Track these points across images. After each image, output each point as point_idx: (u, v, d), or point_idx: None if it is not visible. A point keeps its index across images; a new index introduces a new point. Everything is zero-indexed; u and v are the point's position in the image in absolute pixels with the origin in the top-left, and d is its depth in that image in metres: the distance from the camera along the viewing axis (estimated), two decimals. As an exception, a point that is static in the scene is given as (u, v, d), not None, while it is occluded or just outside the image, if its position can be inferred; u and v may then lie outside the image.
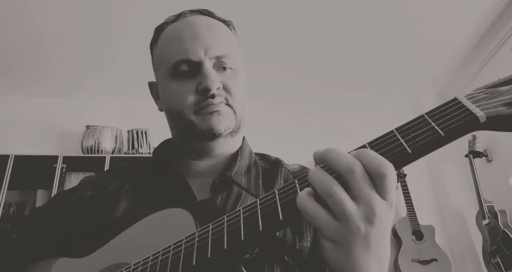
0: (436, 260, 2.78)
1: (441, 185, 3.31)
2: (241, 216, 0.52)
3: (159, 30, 0.83)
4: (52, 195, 2.42)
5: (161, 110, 0.85)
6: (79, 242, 0.71)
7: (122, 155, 3.03)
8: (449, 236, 3.13)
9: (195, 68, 0.75)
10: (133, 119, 3.20)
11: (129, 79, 3.11)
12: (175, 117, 0.78)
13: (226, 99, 0.76)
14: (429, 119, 0.46)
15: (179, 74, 0.75)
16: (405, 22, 2.67)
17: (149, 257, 0.58)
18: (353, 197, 0.46)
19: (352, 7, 2.53)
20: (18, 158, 2.80)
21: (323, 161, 0.47)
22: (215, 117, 0.74)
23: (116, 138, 3.10)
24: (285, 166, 0.84)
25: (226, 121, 0.75)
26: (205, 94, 0.73)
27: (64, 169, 2.89)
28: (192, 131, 0.75)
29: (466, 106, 0.45)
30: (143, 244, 0.63)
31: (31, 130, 3.22)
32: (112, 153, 3.03)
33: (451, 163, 3.31)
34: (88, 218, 0.74)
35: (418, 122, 0.46)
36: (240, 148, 0.84)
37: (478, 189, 2.77)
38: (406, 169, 3.12)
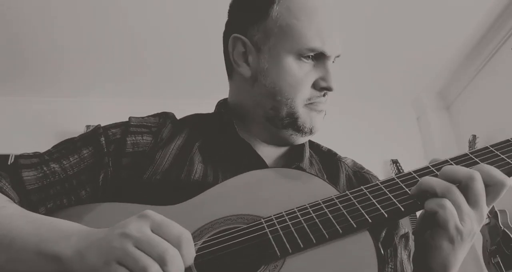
0: (436, 260, 2.78)
1: (441, 185, 3.30)
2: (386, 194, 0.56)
3: None
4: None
5: (248, 77, 0.74)
6: (148, 190, 0.65)
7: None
8: (449, 236, 3.12)
9: (320, 59, 0.70)
10: (133, 119, 3.20)
11: (130, 79, 3.11)
12: (279, 101, 0.70)
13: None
14: None
15: (303, 58, 0.69)
16: (405, 21, 2.67)
17: (281, 213, 0.55)
18: (469, 202, 0.49)
19: (352, 7, 2.53)
20: (18, 158, 2.79)
21: (444, 171, 0.51)
22: (320, 117, 0.72)
23: (116, 138, 3.09)
24: (342, 160, 0.83)
25: (322, 120, 0.74)
26: (322, 91, 0.70)
27: (64, 169, 2.88)
28: (291, 121, 0.71)
29: None
30: (262, 199, 0.59)
31: (31, 130, 3.22)
32: (112, 153, 3.02)
33: (451, 163, 3.30)
34: (161, 170, 0.68)
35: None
36: None
37: (478, 189, 2.76)
38: (405, 169, 3.11)
